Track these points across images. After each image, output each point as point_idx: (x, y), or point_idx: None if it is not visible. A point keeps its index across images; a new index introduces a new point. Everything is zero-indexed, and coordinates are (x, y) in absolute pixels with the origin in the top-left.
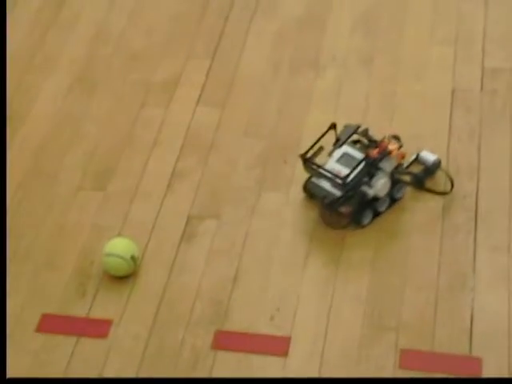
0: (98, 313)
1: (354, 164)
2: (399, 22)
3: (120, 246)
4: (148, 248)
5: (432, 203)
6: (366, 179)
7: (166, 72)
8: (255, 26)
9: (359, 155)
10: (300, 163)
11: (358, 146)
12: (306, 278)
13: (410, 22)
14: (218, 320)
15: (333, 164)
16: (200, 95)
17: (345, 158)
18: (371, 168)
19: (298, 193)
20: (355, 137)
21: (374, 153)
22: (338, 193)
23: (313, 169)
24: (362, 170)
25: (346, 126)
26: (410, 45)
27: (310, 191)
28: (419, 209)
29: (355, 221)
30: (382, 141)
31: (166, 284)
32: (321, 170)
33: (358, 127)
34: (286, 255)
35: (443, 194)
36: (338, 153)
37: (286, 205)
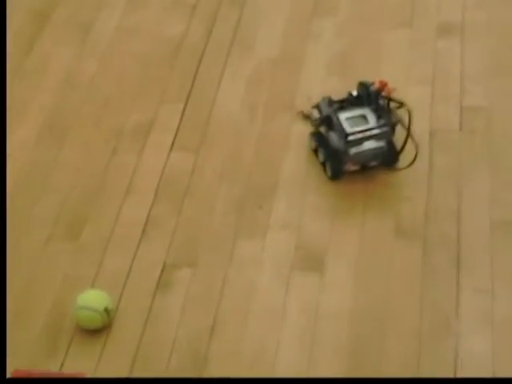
0: (70, 368)
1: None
2: (375, 62)
3: (93, 298)
4: (122, 298)
5: (412, 245)
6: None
7: (139, 117)
8: (229, 68)
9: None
10: (277, 208)
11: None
12: (285, 326)
13: (386, 61)
14: (196, 371)
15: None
16: (174, 140)
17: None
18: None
19: (274, 239)
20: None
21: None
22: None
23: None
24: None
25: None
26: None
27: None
28: (398, 251)
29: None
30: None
31: (142, 336)
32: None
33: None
34: (265, 302)
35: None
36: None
37: (262, 251)
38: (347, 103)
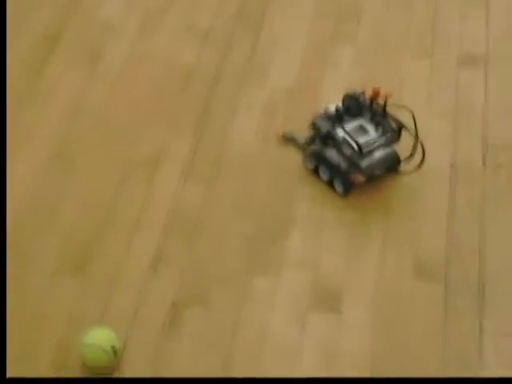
0: None
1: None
2: (395, 94)
3: (100, 336)
4: (130, 338)
5: (432, 285)
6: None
7: (149, 147)
8: (243, 97)
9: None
10: (292, 243)
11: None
12: (300, 368)
13: (406, 92)
14: None
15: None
16: (185, 172)
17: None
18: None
19: (290, 276)
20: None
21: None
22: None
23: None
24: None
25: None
26: (407, 117)
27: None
28: (418, 291)
29: None
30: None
31: (150, 377)
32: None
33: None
34: (279, 343)
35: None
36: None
37: (276, 289)
38: (340, 117)
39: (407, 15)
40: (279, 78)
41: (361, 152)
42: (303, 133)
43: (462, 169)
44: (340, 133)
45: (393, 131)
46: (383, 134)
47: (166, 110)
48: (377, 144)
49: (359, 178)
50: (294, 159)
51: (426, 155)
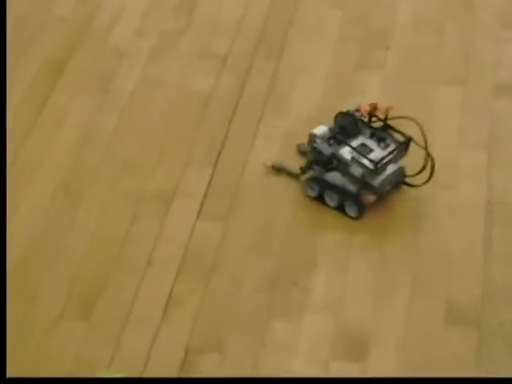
0: None
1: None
2: (424, 122)
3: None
4: None
5: (465, 333)
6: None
7: (162, 180)
8: (263, 127)
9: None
10: (315, 284)
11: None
12: None
13: (436, 121)
14: None
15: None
16: (200, 207)
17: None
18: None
19: (311, 320)
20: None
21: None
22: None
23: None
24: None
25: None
26: (437, 149)
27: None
28: (449, 339)
29: None
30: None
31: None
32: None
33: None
34: None
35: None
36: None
37: (297, 335)
38: (338, 138)
39: (439, 40)
40: (301, 106)
41: (376, 170)
42: (291, 161)
43: (498, 206)
44: (346, 153)
45: (400, 145)
46: (387, 149)
47: (180, 140)
48: (386, 160)
49: (371, 199)
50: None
51: (435, 168)
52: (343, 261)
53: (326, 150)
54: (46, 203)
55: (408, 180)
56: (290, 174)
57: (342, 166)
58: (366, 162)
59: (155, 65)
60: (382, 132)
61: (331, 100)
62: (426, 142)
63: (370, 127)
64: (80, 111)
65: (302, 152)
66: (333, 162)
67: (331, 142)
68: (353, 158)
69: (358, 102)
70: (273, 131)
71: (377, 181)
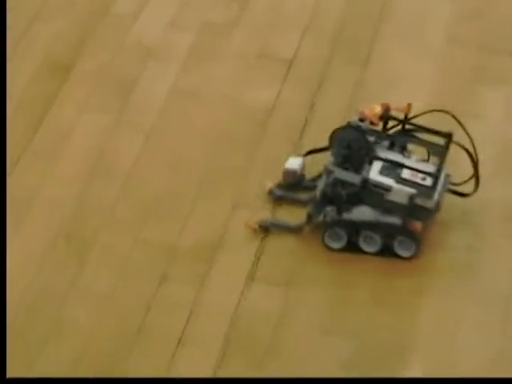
0: None
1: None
2: None
3: None
4: None
5: None
6: None
7: (201, 228)
8: None
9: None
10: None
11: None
12: None
13: None
14: None
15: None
16: (252, 267)
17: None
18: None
19: None
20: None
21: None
22: None
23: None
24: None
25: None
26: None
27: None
28: None
29: None
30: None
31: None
32: None
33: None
34: None
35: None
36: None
37: None
38: (351, 160)
39: None
40: None
41: (435, 184)
42: (280, 215)
43: None
44: (381, 177)
45: (436, 148)
46: (410, 156)
47: (226, 172)
48: (438, 171)
49: (419, 227)
50: None
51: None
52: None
53: (355, 178)
54: (41, 257)
55: (455, 188)
56: (286, 230)
57: (374, 195)
58: (418, 178)
59: (194, 69)
60: (406, 137)
61: (434, 123)
62: (471, 140)
63: (387, 135)
64: (89, 130)
65: (277, 197)
66: (360, 194)
67: (345, 167)
68: (402, 179)
69: (472, 126)
70: None
71: (431, 201)
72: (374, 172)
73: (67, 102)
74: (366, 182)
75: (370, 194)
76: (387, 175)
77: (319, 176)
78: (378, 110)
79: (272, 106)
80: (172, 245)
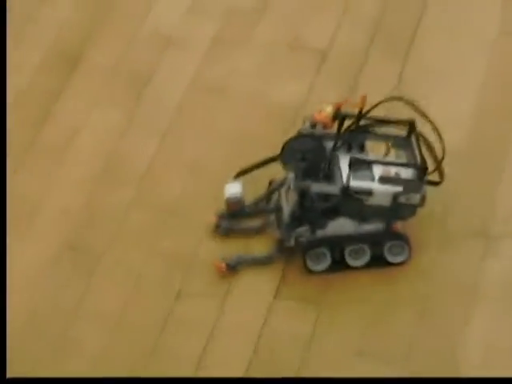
0: None
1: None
2: None
3: None
4: None
5: None
6: None
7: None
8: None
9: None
10: None
11: None
12: None
13: None
14: None
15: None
16: (280, 282)
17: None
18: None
19: None
20: None
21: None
22: None
23: None
24: None
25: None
26: None
27: None
28: None
29: None
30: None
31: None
32: None
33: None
34: None
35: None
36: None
37: None
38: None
39: None
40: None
41: (422, 176)
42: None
43: None
44: (359, 182)
45: (397, 139)
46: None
47: (251, 177)
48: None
49: (399, 227)
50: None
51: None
52: None
53: (333, 188)
54: (44, 270)
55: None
56: (255, 263)
57: (353, 203)
58: (404, 174)
59: (216, 61)
60: (363, 133)
61: (486, 125)
62: (435, 128)
63: (345, 136)
64: (99, 128)
65: (225, 231)
66: (338, 205)
67: (315, 179)
68: (383, 179)
69: None
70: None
71: (417, 197)
72: (349, 177)
73: (75, 97)
74: (346, 190)
75: (349, 202)
76: (363, 178)
77: (267, 197)
78: (329, 110)
79: (303, 102)
80: (190, 257)
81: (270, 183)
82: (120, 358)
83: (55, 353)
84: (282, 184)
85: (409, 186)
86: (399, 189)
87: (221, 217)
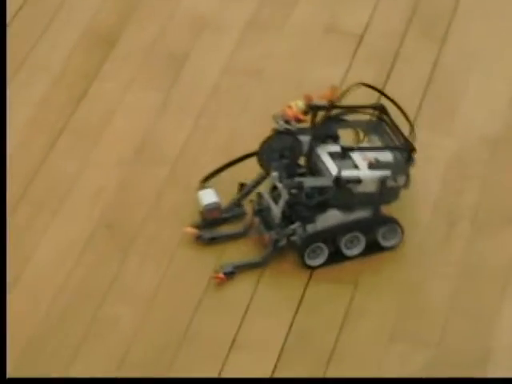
0: None
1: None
2: None
3: None
4: None
5: None
6: None
7: None
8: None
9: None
10: None
11: None
12: None
13: None
14: None
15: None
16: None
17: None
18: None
19: None
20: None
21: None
22: None
23: None
24: None
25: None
26: None
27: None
28: None
29: None
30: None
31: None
32: None
33: None
34: None
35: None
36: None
37: None
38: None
39: None
40: (475, 117)
41: (409, 158)
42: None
43: None
44: (347, 173)
45: (369, 123)
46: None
47: None
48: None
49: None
50: (497, 248)
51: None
52: None
53: (326, 180)
54: (79, 249)
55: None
56: (253, 267)
57: (343, 193)
58: (382, 158)
59: (252, 44)
60: (336, 123)
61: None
62: (399, 108)
63: (319, 128)
64: (134, 110)
65: (208, 240)
66: (324, 202)
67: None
68: (371, 164)
69: None
70: (431, 154)
71: (402, 179)
72: (339, 168)
73: (110, 79)
74: (338, 180)
75: (339, 193)
76: (347, 167)
77: (240, 201)
78: (300, 104)
79: (339, 86)
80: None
81: (242, 186)
82: (154, 337)
83: (89, 329)
84: (255, 185)
85: (397, 168)
86: (386, 173)
87: (198, 227)
